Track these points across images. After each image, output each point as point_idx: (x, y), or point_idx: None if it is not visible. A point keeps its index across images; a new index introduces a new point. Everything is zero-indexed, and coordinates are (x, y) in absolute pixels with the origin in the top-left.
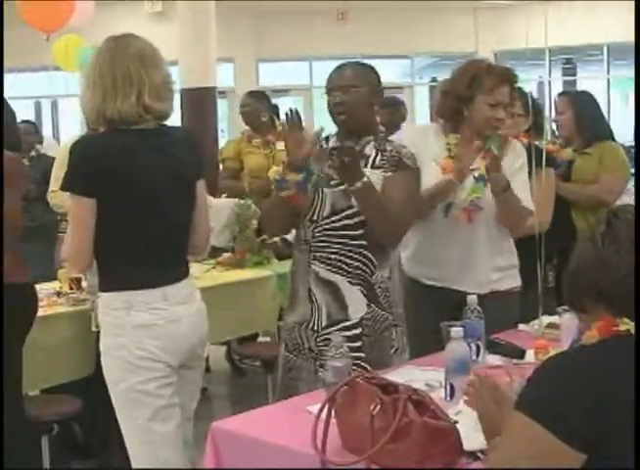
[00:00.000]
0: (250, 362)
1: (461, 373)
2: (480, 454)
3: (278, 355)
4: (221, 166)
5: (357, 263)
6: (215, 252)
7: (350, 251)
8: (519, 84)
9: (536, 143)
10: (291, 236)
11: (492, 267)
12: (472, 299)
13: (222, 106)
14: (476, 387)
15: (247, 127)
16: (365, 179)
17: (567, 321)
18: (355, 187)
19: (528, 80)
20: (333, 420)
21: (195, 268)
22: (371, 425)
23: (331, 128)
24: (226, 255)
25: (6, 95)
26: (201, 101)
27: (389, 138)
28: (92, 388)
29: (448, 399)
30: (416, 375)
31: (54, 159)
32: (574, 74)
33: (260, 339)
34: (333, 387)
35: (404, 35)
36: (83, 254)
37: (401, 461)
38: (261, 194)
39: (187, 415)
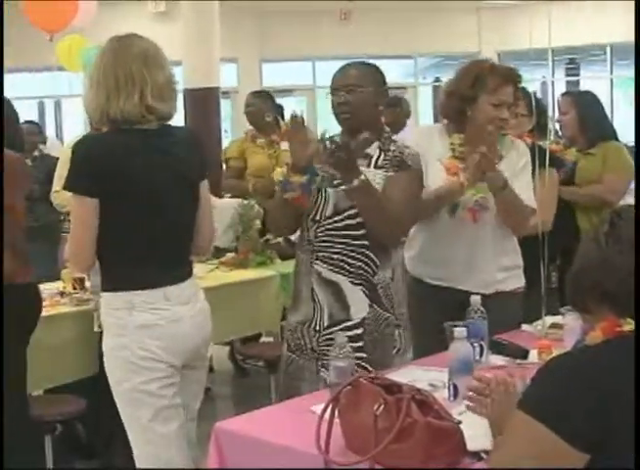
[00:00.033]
0: (253, 362)
1: (464, 373)
2: (483, 454)
3: (281, 355)
4: (225, 166)
5: (359, 263)
6: (219, 252)
7: (352, 251)
8: (522, 84)
9: (540, 143)
10: (294, 236)
11: (497, 267)
12: (475, 299)
13: (225, 106)
14: (479, 392)
15: (251, 127)
16: (362, 177)
17: (570, 322)
18: (352, 185)
19: (532, 80)
20: (336, 420)
21: (198, 268)
22: (374, 425)
23: (334, 129)
24: (229, 255)
25: (9, 95)
26: (204, 101)
27: (394, 138)
28: (95, 388)
29: (452, 399)
30: (419, 375)
31: (57, 159)
32: (578, 74)
33: (263, 339)
34: (336, 387)
35: (407, 35)
36: (86, 254)
37: (405, 461)
38: (265, 194)
39: (190, 415)
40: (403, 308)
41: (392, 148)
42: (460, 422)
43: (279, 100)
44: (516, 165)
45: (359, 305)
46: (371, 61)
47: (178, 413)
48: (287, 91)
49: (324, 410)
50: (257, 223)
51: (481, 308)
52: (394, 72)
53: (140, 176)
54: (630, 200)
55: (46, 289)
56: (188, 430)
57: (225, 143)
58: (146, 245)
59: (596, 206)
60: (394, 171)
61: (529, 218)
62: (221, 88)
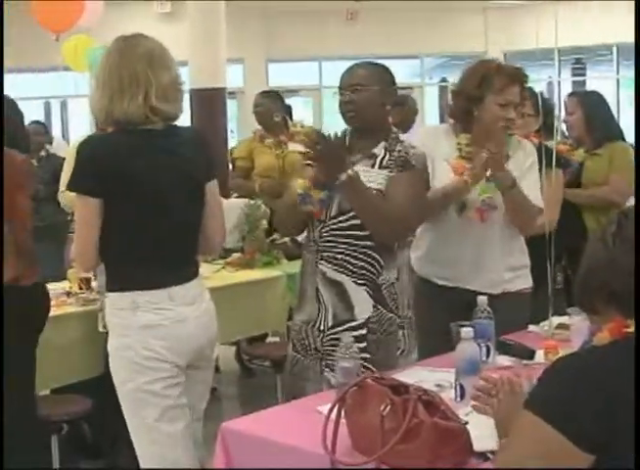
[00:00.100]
0: (259, 362)
1: (471, 374)
2: (489, 455)
3: (287, 356)
4: (232, 166)
5: (363, 264)
6: (225, 252)
7: (356, 251)
8: (528, 84)
9: (547, 143)
10: (300, 236)
11: (505, 267)
12: (482, 299)
13: (231, 106)
14: (485, 392)
15: (259, 127)
16: (350, 172)
17: (577, 322)
18: (340, 180)
19: (538, 80)
20: (343, 420)
21: (204, 268)
22: (381, 425)
23: (341, 128)
24: (236, 255)
25: (15, 95)
26: (210, 101)
27: (402, 137)
28: (101, 388)
29: (458, 399)
30: (426, 376)
31: (63, 159)
32: (584, 75)
33: (270, 339)
34: (343, 387)
35: (414, 35)
36: (89, 254)
37: (411, 462)
38: (272, 194)
39: (196, 416)
40: (408, 309)
41: (398, 148)
42: (466, 423)
43: (285, 100)
44: (522, 165)
45: (363, 305)
46: (377, 61)
47: (184, 413)
48: (293, 91)
49: (330, 410)
50: (264, 223)
51: (488, 309)
52: (401, 73)
53: (144, 176)
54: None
55: (52, 289)
56: (194, 430)
57: (231, 143)
58: (151, 245)
59: (603, 206)
60: (398, 171)
61: (537, 218)
62: (227, 88)
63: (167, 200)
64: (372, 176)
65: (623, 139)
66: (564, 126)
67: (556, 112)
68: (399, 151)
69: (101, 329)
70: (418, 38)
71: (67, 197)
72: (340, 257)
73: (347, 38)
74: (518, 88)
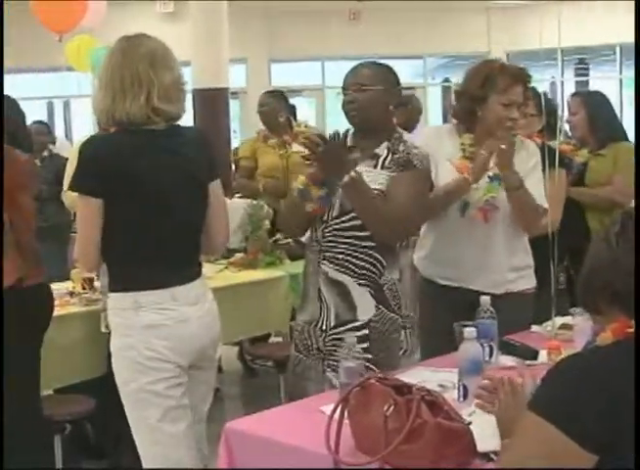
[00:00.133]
0: (262, 363)
1: (474, 374)
2: (493, 456)
3: (290, 356)
4: (236, 166)
5: (365, 264)
6: (228, 252)
7: (358, 251)
8: (531, 84)
9: (550, 144)
10: (303, 236)
11: (508, 267)
12: (485, 299)
13: (234, 106)
14: (489, 390)
15: (262, 127)
16: (352, 174)
17: (580, 322)
18: (342, 182)
19: (541, 81)
20: (346, 421)
21: (207, 269)
22: (384, 426)
23: (344, 129)
24: (238, 255)
25: (18, 95)
26: (213, 101)
27: (407, 136)
28: (104, 388)
29: (461, 399)
30: (429, 376)
31: (67, 159)
32: (587, 75)
33: (272, 339)
34: (346, 387)
35: (417, 36)
36: (91, 254)
37: (415, 462)
38: (275, 194)
39: (199, 416)
40: (411, 310)
41: (401, 148)
42: (470, 423)
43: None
44: (526, 166)
45: (366, 305)
46: (380, 61)
47: (186, 414)
48: (296, 91)
49: (334, 411)
50: (267, 224)
51: (491, 309)
52: (404, 73)
53: (147, 176)
54: None
55: (56, 289)
56: (197, 431)
57: (234, 143)
58: (153, 245)
59: (607, 207)
60: (400, 172)
61: (542, 218)
62: (230, 88)
63: (170, 200)
64: (374, 177)
65: (627, 139)
66: (567, 127)
67: (559, 112)
68: (402, 151)
69: (103, 329)
70: (421, 38)
71: (69, 197)
72: (342, 257)
73: (350, 38)
74: (521, 88)
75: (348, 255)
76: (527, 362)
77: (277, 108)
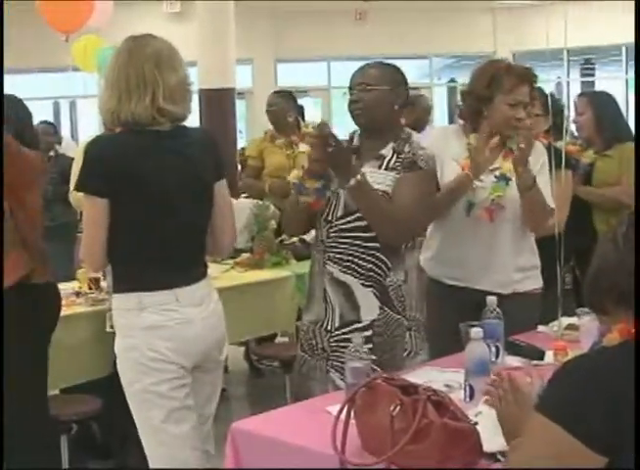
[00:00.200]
0: (268, 363)
1: (480, 374)
2: (499, 456)
3: (296, 356)
4: (243, 165)
5: (370, 265)
6: (234, 252)
7: (363, 252)
8: (538, 84)
9: (556, 144)
10: (309, 237)
11: (514, 267)
12: (491, 299)
13: (240, 106)
14: (497, 386)
15: (270, 127)
16: (359, 177)
17: (586, 323)
18: (348, 185)
19: (547, 81)
20: (352, 421)
21: (213, 269)
22: (391, 426)
23: (350, 129)
24: (245, 255)
25: (24, 95)
26: (219, 102)
27: (415, 137)
28: (110, 388)
29: (468, 400)
30: (435, 376)
31: (73, 159)
32: (593, 75)
33: (279, 339)
34: (352, 388)
35: (423, 36)
36: (97, 254)
37: (421, 462)
38: (281, 194)
39: (205, 417)
40: (417, 311)
41: (407, 149)
42: (476, 423)
43: None
44: (534, 166)
45: (369, 306)
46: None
47: (191, 415)
48: (302, 92)
49: (340, 411)
50: (273, 224)
51: (497, 309)
52: (409, 73)
53: (151, 177)
54: None
55: (62, 289)
56: (204, 431)
57: (240, 144)
58: (158, 246)
59: (614, 207)
60: (405, 173)
61: (549, 218)
62: (236, 89)
63: (174, 200)
64: (379, 178)
65: (633, 139)
66: (573, 127)
67: (565, 112)
68: (408, 152)
69: (108, 329)
70: (427, 38)
71: (75, 197)
72: (346, 258)
73: (356, 38)
74: (527, 88)
75: (354, 256)
76: (534, 363)
77: (286, 108)
